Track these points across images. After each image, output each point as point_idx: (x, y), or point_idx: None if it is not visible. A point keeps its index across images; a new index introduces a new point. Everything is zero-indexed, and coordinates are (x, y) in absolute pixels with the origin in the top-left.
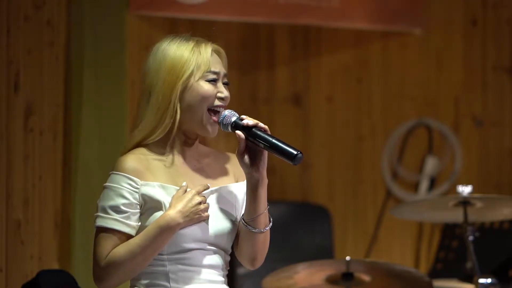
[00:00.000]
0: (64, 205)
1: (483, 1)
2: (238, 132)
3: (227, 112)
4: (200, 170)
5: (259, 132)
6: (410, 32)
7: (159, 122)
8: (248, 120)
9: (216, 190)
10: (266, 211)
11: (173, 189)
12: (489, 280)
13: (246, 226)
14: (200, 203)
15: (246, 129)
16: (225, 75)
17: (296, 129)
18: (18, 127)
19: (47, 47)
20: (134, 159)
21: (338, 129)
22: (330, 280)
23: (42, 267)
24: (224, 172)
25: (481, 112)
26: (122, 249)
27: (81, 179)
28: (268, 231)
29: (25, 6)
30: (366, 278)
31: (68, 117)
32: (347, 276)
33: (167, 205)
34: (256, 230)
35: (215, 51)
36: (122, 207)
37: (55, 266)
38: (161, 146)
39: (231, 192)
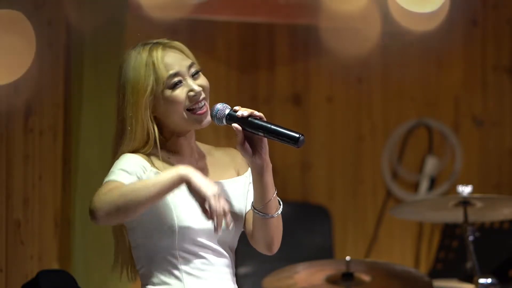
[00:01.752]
0: (64, 205)
1: (483, 1)
2: (234, 124)
3: (219, 105)
4: (201, 169)
5: (256, 121)
6: (410, 32)
7: (143, 140)
8: (242, 111)
9: (223, 183)
10: (275, 195)
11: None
12: (489, 280)
13: (258, 213)
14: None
15: (242, 120)
16: (189, 67)
17: (296, 129)
18: (18, 127)
19: (47, 47)
20: (138, 155)
21: (338, 129)
22: (330, 280)
23: (42, 267)
24: (225, 168)
25: (481, 112)
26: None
27: (81, 179)
28: (280, 215)
29: (25, 6)
30: (366, 278)
31: (68, 117)
32: (347, 276)
33: (172, 199)
34: (269, 216)
35: (170, 49)
36: (133, 170)
37: (55, 266)
38: (155, 152)
39: (233, 186)
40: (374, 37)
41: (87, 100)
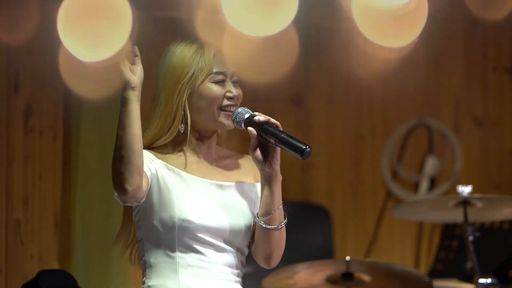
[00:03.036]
0: (64, 205)
1: (483, 1)
2: (250, 128)
3: (240, 109)
4: (219, 167)
5: (269, 128)
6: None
7: (165, 127)
8: (259, 117)
9: (239, 185)
10: (280, 208)
11: (187, 176)
12: (489, 280)
13: (260, 223)
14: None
15: (258, 125)
16: (233, 74)
17: (296, 129)
18: (18, 127)
19: (48, 47)
20: (149, 150)
21: (338, 129)
22: (330, 280)
23: (42, 267)
24: (244, 172)
25: (481, 112)
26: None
27: (81, 179)
28: (284, 229)
29: (26, 6)
30: (366, 278)
31: (68, 117)
32: (347, 276)
33: (175, 193)
34: (271, 227)
35: (219, 53)
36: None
37: (55, 266)
38: (172, 147)
39: (252, 190)
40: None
41: (87, 100)
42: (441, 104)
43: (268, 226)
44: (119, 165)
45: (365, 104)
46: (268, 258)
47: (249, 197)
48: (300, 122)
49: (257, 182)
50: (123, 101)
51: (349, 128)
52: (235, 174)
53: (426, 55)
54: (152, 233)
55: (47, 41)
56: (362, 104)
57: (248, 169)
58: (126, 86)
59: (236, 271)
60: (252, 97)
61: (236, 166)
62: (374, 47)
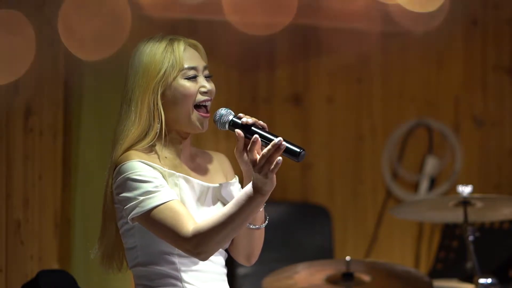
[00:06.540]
0: (64, 205)
1: (483, 1)
2: (237, 130)
3: (223, 111)
4: (196, 169)
5: (259, 131)
6: (410, 32)
7: (146, 127)
8: (246, 119)
9: (218, 187)
10: (262, 208)
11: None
12: (489, 280)
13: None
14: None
15: (245, 127)
16: (205, 68)
17: (296, 129)
18: (18, 127)
19: (47, 47)
20: (139, 154)
21: (338, 129)
22: (330, 280)
23: (42, 267)
24: (216, 171)
25: (481, 112)
26: (211, 221)
27: (81, 179)
28: (263, 229)
29: (25, 6)
30: (366, 278)
31: (68, 117)
32: (347, 276)
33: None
34: (255, 227)
35: (191, 46)
36: (157, 181)
37: (55, 266)
38: (153, 151)
39: (230, 190)
40: (374, 37)
41: (87, 100)
42: (441, 104)
43: (252, 226)
44: (224, 240)
45: (365, 104)
46: (250, 256)
47: (231, 196)
48: (300, 122)
49: (227, 180)
50: (257, 198)
51: (349, 128)
52: (210, 174)
53: (426, 55)
54: (150, 242)
55: (48, 41)
56: (362, 104)
57: (218, 167)
58: (266, 191)
59: (225, 270)
60: (252, 96)
61: (207, 166)
62: (374, 47)
